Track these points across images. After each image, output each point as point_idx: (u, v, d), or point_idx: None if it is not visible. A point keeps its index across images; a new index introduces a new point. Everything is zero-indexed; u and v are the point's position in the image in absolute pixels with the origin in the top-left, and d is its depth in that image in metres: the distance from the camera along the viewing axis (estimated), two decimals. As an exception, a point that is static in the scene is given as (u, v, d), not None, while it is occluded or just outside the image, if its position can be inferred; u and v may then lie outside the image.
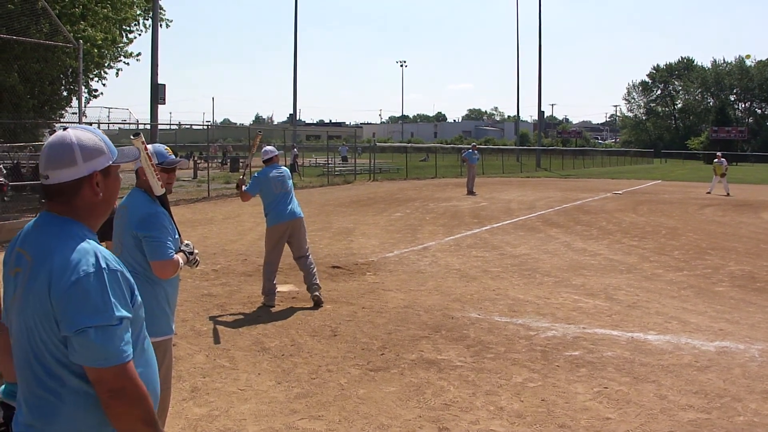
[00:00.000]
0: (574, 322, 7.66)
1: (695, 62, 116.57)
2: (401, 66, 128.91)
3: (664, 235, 15.18)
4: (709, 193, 28.72)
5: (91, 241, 1.95)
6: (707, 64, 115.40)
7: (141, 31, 26.57)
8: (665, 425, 4.86)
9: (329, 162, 38.55)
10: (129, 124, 33.61)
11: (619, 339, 6.88)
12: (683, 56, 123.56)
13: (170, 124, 56.21)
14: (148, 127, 25.52)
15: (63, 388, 1.88)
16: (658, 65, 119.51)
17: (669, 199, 26.55)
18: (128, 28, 25.29)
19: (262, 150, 8.34)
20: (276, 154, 8.19)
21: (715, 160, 29.96)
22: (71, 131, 2.00)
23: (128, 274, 1.96)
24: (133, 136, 3.12)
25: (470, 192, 25.83)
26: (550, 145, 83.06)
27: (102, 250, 1.93)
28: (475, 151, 28.56)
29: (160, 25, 25.38)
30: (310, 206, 19.83)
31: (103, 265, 1.88)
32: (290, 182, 8.11)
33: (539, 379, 5.79)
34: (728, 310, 8.13)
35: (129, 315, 1.89)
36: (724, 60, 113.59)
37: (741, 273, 10.70)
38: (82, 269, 1.84)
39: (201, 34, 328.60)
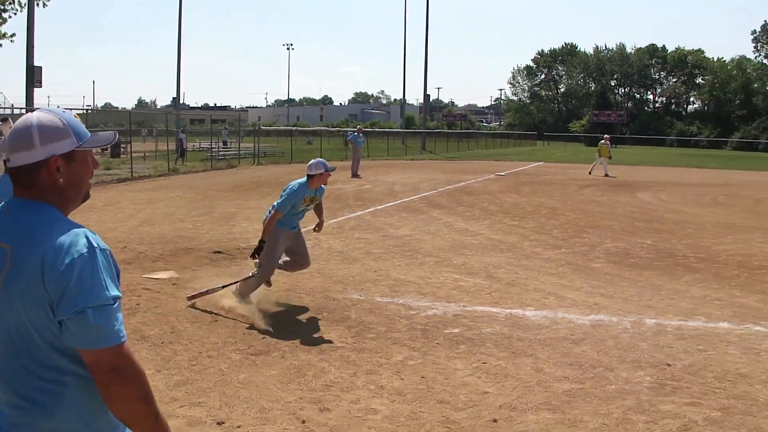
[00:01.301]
0: (454, 300, 7.89)
1: (578, 48, 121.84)
2: (288, 49, 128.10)
3: (544, 215, 15.85)
4: (590, 173, 30.13)
5: (74, 222, 1.91)
6: (590, 50, 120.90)
7: (16, 10, 25.17)
8: (541, 396, 5.10)
9: (213, 146, 37.77)
10: (2, 108, 31.73)
11: (498, 316, 7.13)
12: (567, 42, 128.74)
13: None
14: (24, 111, 24.18)
15: (63, 375, 1.86)
16: (542, 50, 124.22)
17: (550, 180, 27.71)
18: (2, 7, 23.97)
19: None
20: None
21: (602, 141, 31.56)
22: (35, 114, 1.95)
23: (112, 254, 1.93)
24: (1, 121, 2.99)
25: (355, 175, 25.97)
26: (435, 128, 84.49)
27: (88, 230, 1.90)
28: (360, 134, 28.83)
29: (37, 4, 24.23)
30: (193, 191, 19.49)
31: (95, 245, 1.86)
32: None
33: (419, 357, 5.93)
34: (603, 285, 8.59)
35: (120, 294, 1.87)
36: (605, 46, 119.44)
37: (616, 250, 11.32)
38: (75, 251, 1.82)
39: (82, 14, 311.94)
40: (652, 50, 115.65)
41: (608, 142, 31.60)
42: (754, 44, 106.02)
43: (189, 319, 6.93)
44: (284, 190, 7.27)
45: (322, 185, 7.57)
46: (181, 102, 66.40)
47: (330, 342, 6.30)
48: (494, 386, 5.29)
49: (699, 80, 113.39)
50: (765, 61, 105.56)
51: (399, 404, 4.93)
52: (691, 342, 6.50)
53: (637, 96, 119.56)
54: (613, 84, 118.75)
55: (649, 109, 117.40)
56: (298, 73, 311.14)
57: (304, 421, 4.61)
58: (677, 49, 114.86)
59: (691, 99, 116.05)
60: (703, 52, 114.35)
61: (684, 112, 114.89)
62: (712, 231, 14.06)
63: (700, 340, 6.59)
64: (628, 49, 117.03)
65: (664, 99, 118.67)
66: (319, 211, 7.98)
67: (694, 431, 4.57)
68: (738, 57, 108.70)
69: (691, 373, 5.67)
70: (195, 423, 4.57)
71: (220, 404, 4.86)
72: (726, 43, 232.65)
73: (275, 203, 7.19)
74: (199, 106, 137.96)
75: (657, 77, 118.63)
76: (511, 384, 5.34)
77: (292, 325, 6.80)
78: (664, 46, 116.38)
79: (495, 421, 4.67)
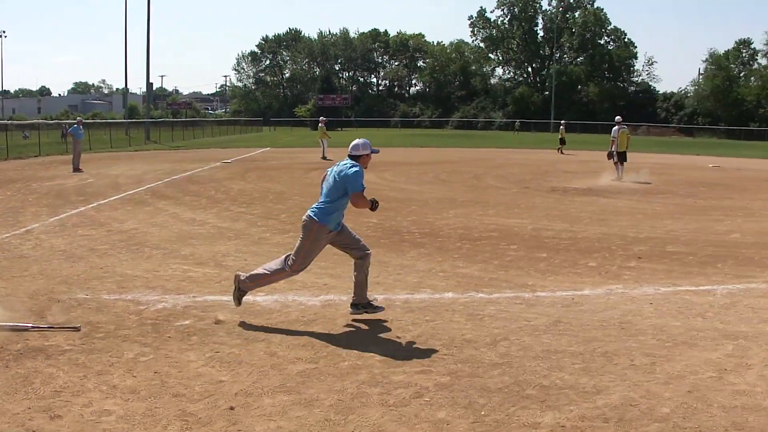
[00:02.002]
0: (184, 292, 7.75)
1: (303, 33, 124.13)
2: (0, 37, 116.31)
3: (271, 200, 16.08)
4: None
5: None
6: (314, 35, 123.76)
7: None
8: (276, 380, 5.18)
9: None
10: None
11: (229, 304, 7.09)
12: (291, 27, 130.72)
13: None
14: None
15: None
16: (267, 36, 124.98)
17: (277, 165, 28.10)
18: None
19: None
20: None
21: (320, 124, 32.70)
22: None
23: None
24: None
25: (76, 169, 24.43)
26: (160, 117, 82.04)
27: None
28: (81, 126, 27.21)
29: None
30: None
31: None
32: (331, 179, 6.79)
33: (151, 353, 5.76)
34: (331, 266, 8.85)
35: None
36: (329, 31, 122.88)
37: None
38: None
39: None
40: (375, 35, 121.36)
41: (323, 124, 32.88)
42: (471, 29, 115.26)
43: None
44: (344, 174, 6.63)
45: None
46: None
47: (57, 345, 5.91)
48: (229, 374, 5.29)
49: (420, 63, 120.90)
50: (481, 44, 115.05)
51: (133, 402, 4.76)
52: (419, 314, 6.96)
53: (362, 79, 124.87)
54: (337, 68, 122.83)
55: (373, 92, 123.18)
56: (12, 62, 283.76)
57: (33, 432, 4.32)
58: (399, 33, 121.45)
59: (413, 81, 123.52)
60: (423, 36, 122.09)
61: (407, 94, 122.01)
62: (435, 207, 15.11)
63: (427, 311, 7.07)
64: (352, 34, 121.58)
65: (387, 82, 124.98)
66: None
67: (425, 397, 4.89)
68: (456, 41, 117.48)
69: (420, 343, 6.09)
70: None
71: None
72: (445, 27, 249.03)
73: (352, 188, 6.56)
74: None
75: (380, 61, 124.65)
76: (246, 370, 5.37)
77: (14, 332, 6.27)
78: (386, 30, 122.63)
79: (232, 408, 4.68)
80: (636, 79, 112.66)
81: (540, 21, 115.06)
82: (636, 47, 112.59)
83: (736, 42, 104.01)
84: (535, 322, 6.72)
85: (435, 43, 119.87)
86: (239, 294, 6.83)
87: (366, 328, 6.49)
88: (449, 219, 13.34)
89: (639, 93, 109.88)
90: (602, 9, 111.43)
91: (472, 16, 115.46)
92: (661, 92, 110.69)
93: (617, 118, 24.31)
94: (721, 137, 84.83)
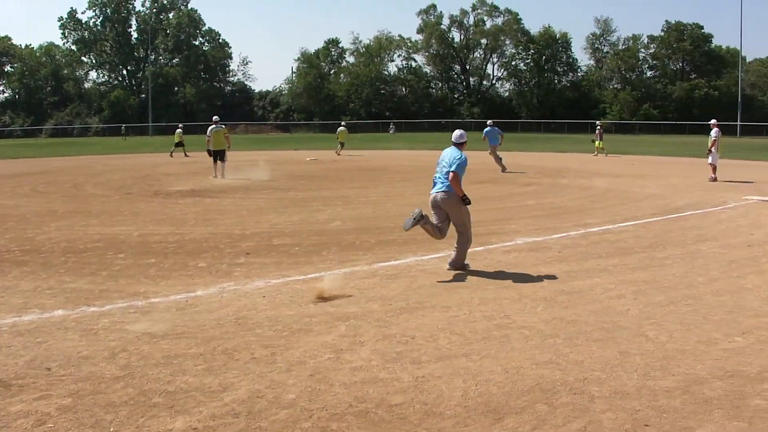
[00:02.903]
0: None
1: None
2: None
3: None
4: None
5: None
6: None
7: None
8: None
9: None
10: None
11: None
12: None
13: None
14: None
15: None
16: None
17: None
18: None
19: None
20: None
21: None
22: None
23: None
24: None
25: None
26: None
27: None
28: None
29: None
30: None
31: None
32: (445, 163, 9.27)
33: None
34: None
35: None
36: None
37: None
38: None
39: None
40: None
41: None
42: (62, 31, 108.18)
43: None
44: (449, 160, 9.19)
45: None
46: None
47: None
48: None
49: (8, 68, 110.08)
50: (73, 47, 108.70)
51: None
52: (29, 336, 6.44)
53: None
54: None
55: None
56: None
57: None
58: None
59: (1, 88, 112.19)
60: (10, 39, 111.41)
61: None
62: (34, 221, 14.00)
63: (38, 332, 6.57)
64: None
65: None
66: None
67: (48, 424, 4.57)
68: (47, 44, 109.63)
69: (35, 367, 5.64)
70: None
71: None
72: (35, 29, 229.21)
73: (453, 169, 9.03)
74: None
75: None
76: None
77: None
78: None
79: None
80: (232, 79, 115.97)
81: (134, 22, 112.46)
82: (231, 48, 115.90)
83: (325, 41, 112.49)
84: (152, 329, 6.63)
85: (23, 47, 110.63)
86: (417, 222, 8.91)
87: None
88: (51, 233, 12.48)
89: (236, 92, 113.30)
90: (196, 10, 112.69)
91: (62, 17, 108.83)
92: (257, 91, 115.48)
93: (215, 117, 24.88)
94: (316, 131, 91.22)
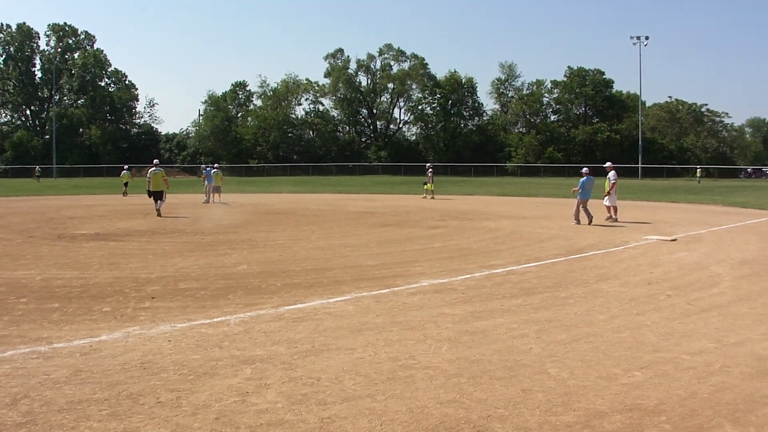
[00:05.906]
0: None
1: None
2: None
3: None
4: None
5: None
6: None
7: None
8: None
9: None
10: None
11: None
12: None
13: None
14: None
15: None
16: None
17: None
18: None
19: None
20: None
21: None
22: None
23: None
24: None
25: None
26: None
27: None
28: None
29: None
30: None
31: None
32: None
33: None
34: None
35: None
36: None
37: None
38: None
39: None
40: None
41: None
42: None
43: None
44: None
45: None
46: None
47: None
48: None
49: None
50: None
51: None
52: None
53: None
54: None
55: None
56: None
57: None
58: None
59: None
60: None
61: None
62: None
63: None
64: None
65: None
66: None
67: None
68: None
69: None
70: None
71: None
72: None
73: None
74: None
75: None
76: None
77: None
78: None
79: None
80: (138, 121, 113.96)
81: (38, 61, 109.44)
82: (137, 89, 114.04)
83: (232, 84, 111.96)
84: (55, 374, 6.47)
85: None
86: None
87: None
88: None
89: (142, 135, 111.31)
90: (102, 51, 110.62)
91: None
92: (164, 133, 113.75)
93: (155, 161, 26.99)
94: (226, 174, 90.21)
